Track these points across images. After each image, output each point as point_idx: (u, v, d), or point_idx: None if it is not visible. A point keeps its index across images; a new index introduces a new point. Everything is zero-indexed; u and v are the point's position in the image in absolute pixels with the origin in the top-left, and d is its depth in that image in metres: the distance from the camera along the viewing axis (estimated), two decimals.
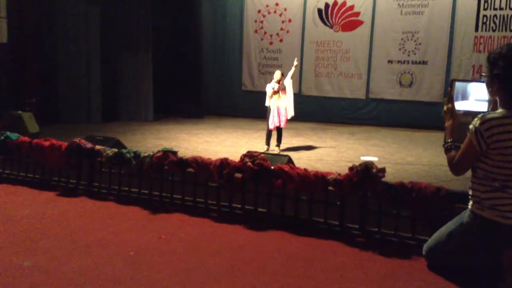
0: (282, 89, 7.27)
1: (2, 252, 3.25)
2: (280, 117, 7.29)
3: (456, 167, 2.84)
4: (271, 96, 7.28)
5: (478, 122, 2.71)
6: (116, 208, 4.37)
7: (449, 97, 2.95)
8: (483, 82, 2.84)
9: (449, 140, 2.89)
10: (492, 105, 2.84)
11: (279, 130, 7.39)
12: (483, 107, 2.96)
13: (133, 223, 3.96)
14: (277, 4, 11.76)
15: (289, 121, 7.56)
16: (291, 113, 7.44)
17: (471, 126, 2.73)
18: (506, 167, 2.69)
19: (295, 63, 7.54)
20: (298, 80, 11.35)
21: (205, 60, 12.42)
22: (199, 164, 4.33)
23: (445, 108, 2.95)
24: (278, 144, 7.40)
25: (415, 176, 5.50)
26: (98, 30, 10.20)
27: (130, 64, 10.90)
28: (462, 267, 2.96)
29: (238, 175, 4.16)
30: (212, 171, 4.23)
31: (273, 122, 7.32)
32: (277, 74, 7.33)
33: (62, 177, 5.09)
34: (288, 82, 7.41)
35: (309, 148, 7.78)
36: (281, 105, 7.27)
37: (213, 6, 12.31)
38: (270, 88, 7.30)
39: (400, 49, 10.64)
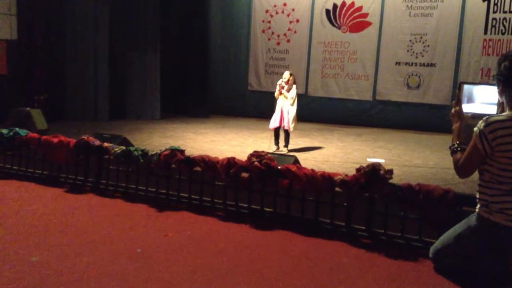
0: (287, 89, 7.15)
1: (9, 247, 3.27)
2: (283, 118, 7.19)
3: (461, 169, 2.84)
4: (277, 96, 7.23)
5: (482, 125, 2.70)
6: (123, 206, 4.40)
7: (457, 99, 2.95)
8: (495, 85, 2.83)
9: (455, 143, 2.89)
10: (501, 107, 2.83)
11: (285, 131, 7.32)
12: (493, 109, 2.95)
13: (140, 220, 3.98)
14: (285, 4, 11.76)
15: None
16: (290, 126, 7.15)
17: (475, 129, 2.73)
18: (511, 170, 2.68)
19: (285, 86, 7.11)
20: (305, 80, 11.35)
21: (212, 59, 12.47)
22: (207, 163, 4.34)
23: (453, 110, 2.95)
24: (286, 145, 7.36)
25: (421, 179, 5.47)
26: (107, 29, 10.23)
27: (137, 63, 10.94)
28: (469, 270, 2.95)
29: (245, 174, 4.17)
30: (219, 170, 4.24)
31: (273, 122, 7.26)
32: (286, 74, 7.22)
33: (70, 173, 5.13)
34: (292, 95, 7.12)
35: (315, 149, 7.76)
36: (285, 106, 7.19)
37: (221, 6, 12.34)
38: (277, 86, 7.21)
39: (408, 51, 10.59)
